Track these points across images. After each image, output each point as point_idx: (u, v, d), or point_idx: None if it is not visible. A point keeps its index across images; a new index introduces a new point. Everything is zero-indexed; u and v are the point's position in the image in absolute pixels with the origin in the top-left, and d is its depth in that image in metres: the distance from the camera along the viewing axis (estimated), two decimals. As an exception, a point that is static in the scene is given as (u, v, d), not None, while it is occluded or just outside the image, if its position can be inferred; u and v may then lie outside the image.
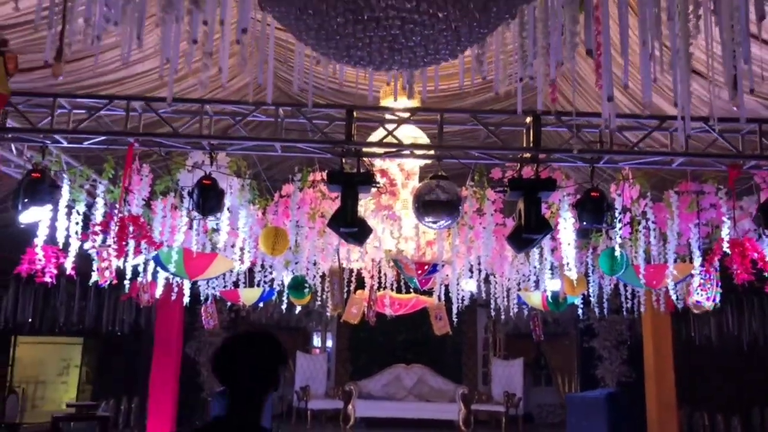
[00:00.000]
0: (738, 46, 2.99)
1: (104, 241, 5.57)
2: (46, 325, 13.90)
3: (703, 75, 4.67)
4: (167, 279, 7.80)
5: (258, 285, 8.70)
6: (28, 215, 5.88)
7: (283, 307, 9.27)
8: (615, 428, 9.88)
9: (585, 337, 13.93)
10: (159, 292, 7.88)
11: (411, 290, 8.48)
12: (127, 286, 7.74)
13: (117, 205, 5.69)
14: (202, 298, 9.34)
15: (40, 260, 5.99)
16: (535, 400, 15.43)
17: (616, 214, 5.79)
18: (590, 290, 8.33)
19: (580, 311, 8.93)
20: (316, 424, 13.54)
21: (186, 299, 8.66)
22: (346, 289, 7.81)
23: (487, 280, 8.52)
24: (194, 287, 8.69)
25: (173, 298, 8.62)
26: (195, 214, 5.59)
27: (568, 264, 5.77)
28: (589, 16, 3.33)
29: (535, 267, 6.93)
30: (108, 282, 6.52)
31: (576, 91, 5.93)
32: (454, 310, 8.31)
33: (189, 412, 12.13)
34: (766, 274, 5.53)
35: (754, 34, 3.03)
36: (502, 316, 9.41)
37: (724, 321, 13.46)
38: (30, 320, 13.29)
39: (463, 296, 8.31)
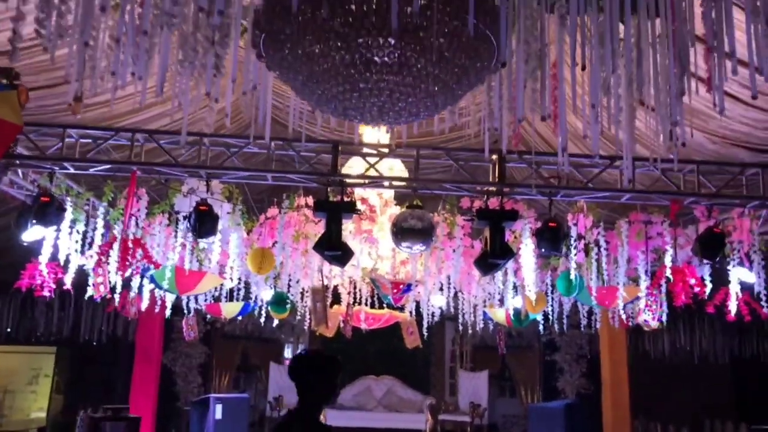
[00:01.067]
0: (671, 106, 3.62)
1: (107, 259, 6.02)
2: (22, 334, 14.14)
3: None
4: (151, 292, 8.26)
5: (237, 299, 9.21)
6: (31, 234, 6.34)
7: (262, 320, 9.74)
8: (573, 437, 10.54)
9: (547, 350, 14.63)
10: (144, 305, 8.32)
11: (384, 305, 9.06)
12: (116, 299, 8.16)
13: (116, 227, 6.16)
14: (185, 311, 9.78)
15: (41, 275, 6.41)
16: (499, 411, 16.00)
17: (572, 242, 6.45)
18: (551, 307, 8.99)
19: (541, 327, 9.56)
20: (288, 433, 13.92)
21: (167, 312, 9.12)
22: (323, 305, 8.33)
23: (455, 297, 9.12)
24: (177, 301, 9.14)
25: (157, 311, 9.06)
26: (188, 235, 6.08)
27: (528, 286, 6.40)
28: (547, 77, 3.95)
29: (499, 286, 7.56)
30: (102, 296, 6.97)
31: (541, 125, 6.56)
32: (425, 325, 8.91)
33: (165, 421, 12.49)
34: (702, 298, 6.22)
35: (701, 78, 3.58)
36: (469, 331, 9.99)
37: (677, 337, 14.33)
38: (8, 330, 13.54)
39: (433, 312, 8.91)
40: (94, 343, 14.19)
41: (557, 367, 14.38)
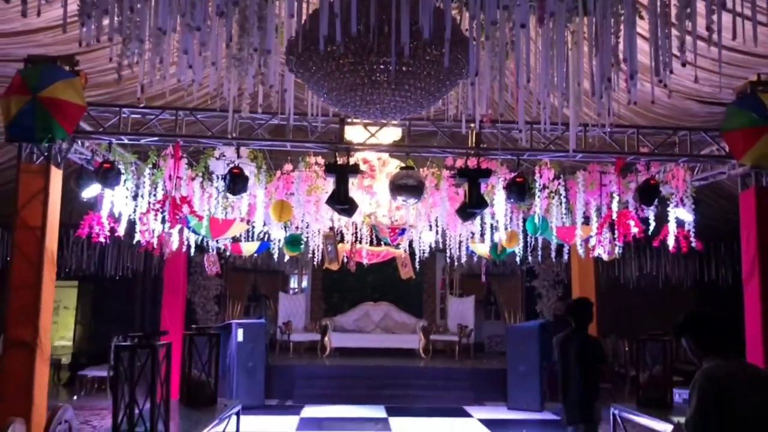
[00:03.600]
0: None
1: (162, 213, 7.39)
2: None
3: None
4: (180, 234, 9.64)
5: (252, 239, 10.66)
6: (89, 191, 7.70)
7: (275, 257, 11.19)
8: (545, 352, 12.12)
9: (527, 277, 16.23)
10: (175, 245, 9.73)
11: (382, 243, 10.53)
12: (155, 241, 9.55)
13: (163, 185, 7.52)
14: (207, 249, 11.22)
15: (100, 224, 7.77)
16: (485, 332, 17.58)
17: (537, 190, 7.84)
18: (527, 241, 10.43)
19: (518, 259, 11.01)
20: (297, 353, 15.53)
21: (192, 250, 10.59)
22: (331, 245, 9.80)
23: (444, 234, 10.56)
24: (201, 241, 10.57)
25: (184, 250, 10.50)
26: (226, 193, 7.44)
27: (500, 227, 7.84)
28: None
29: (479, 227, 9.02)
30: (148, 242, 8.38)
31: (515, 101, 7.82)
32: (417, 259, 10.39)
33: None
34: (640, 236, 7.69)
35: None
36: (455, 263, 11.45)
37: (644, 263, 15.91)
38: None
39: (423, 249, 10.38)
40: (117, 278, 15.55)
41: (536, 292, 16.00)
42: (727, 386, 3.12)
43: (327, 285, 17.78)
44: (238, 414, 5.66)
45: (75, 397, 12.82)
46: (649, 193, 7.41)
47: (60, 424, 3.95)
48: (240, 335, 11.78)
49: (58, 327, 17.81)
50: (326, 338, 15.38)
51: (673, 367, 5.64)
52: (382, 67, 4.49)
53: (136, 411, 3.65)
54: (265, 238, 10.77)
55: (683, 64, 4.38)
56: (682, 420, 3.40)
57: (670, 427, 4.70)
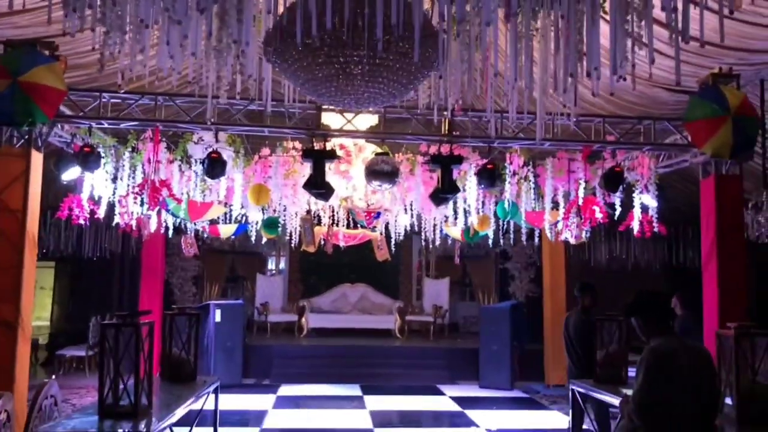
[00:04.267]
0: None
1: (142, 197, 7.54)
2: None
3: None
4: (158, 216, 9.78)
5: (230, 222, 10.85)
6: (69, 174, 7.81)
7: (253, 239, 11.37)
8: (516, 331, 12.50)
9: (501, 259, 16.57)
10: (154, 227, 9.87)
11: (358, 226, 10.76)
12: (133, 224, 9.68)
13: (144, 169, 7.67)
14: (185, 231, 11.38)
15: (80, 207, 7.90)
16: (460, 313, 17.91)
17: (507, 176, 8.11)
18: (500, 224, 10.72)
19: (490, 241, 11.29)
20: (274, 334, 15.77)
21: (170, 232, 10.76)
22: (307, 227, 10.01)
23: (419, 217, 10.81)
24: (179, 223, 10.72)
25: (162, 232, 10.65)
26: (204, 177, 7.61)
27: (471, 211, 8.13)
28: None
29: (452, 211, 9.29)
30: (126, 224, 8.53)
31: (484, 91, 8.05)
32: (392, 242, 10.65)
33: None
34: (604, 222, 8.01)
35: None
36: (430, 245, 11.72)
37: (614, 247, 16.32)
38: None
39: (399, 232, 10.63)
40: (95, 259, 15.61)
41: (509, 274, 16.37)
42: (670, 361, 3.43)
43: (304, 267, 17.97)
44: (216, 390, 5.89)
45: (54, 377, 12.95)
46: (613, 180, 7.72)
47: (46, 398, 4.14)
48: (218, 316, 11.99)
49: (35, 307, 17.75)
50: (303, 319, 15.61)
51: (630, 346, 5.96)
52: (356, 59, 4.68)
53: (121, 386, 3.87)
54: (243, 221, 10.95)
55: (651, 61, 4.64)
56: (629, 392, 3.70)
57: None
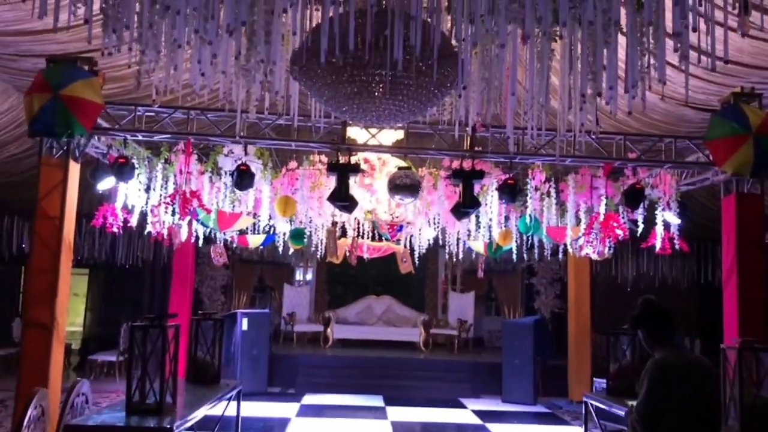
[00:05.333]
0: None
1: (173, 207, 7.82)
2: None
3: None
4: (189, 226, 10.08)
5: (258, 232, 11.11)
6: (104, 184, 8.14)
7: (280, 249, 11.62)
8: (539, 346, 12.53)
9: (526, 275, 16.59)
10: (185, 236, 10.17)
11: (383, 239, 10.95)
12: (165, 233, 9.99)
13: (170, 179, 7.96)
14: (218, 241, 11.68)
15: (114, 215, 8.21)
16: (485, 327, 17.89)
17: (529, 192, 8.24)
18: (524, 240, 10.80)
19: (514, 256, 11.38)
20: (300, 344, 15.94)
21: (200, 242, 11.05)
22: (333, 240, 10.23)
23: (444, 231, 10.96)
24: (209, 233, 11.02)
25: (192, 241, 10.95)
26: (232, 188, 7.88)
27: (493, 226, 8.26)
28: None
29: (474, 226, 9.43)
30: (158, 232, 8.83)
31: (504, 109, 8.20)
32: (416, 255, 10.82)
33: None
34: (625, 239, 8.08)
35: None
36: (454, 259, 11.84)
37: (642, 264, 16.23)
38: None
39: (422, 245, 10.79)
40: (127, 267, 16.00)
41: (535, 289, 16.38)
42: (673, 374, 3.53)
43: (331, 278, 18.14)
44: (239, 394, 6.10)
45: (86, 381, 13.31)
46: (634, 197, 7.79)
47: (78, 396, 4.38)
48: (245, 324, 12.24)
49: (69, 313, 18.17)
50: (329, 330, 15.78)
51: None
52: (377, 78, 4.88)
53: (147, 385, 4.09)
54: (271, 232, 11.21)
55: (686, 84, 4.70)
56: (634, 404, 3.81)
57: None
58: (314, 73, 4.99)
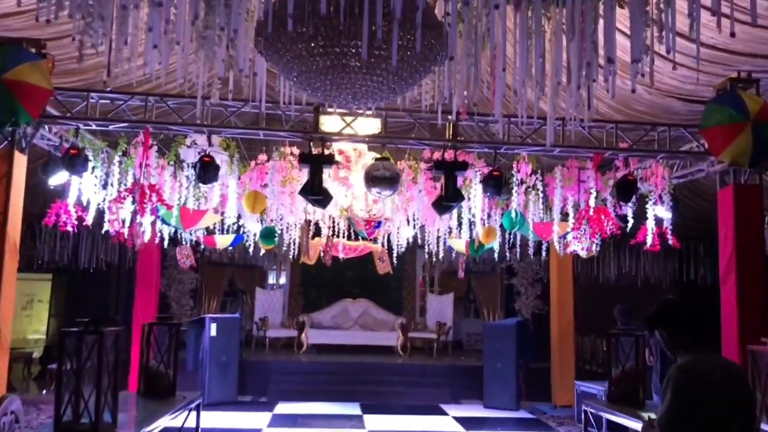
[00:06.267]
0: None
1: (131, 201, 7.18)
2: (23, 262, 15.18)
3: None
4: (152, 226, 9.40)
5: (227, 232, 10.47)
6: (57, 178, 7.49)
7: (251, 250, 11.00)
8: (522, 349, 12.07)
9: (506, 275, 16.14)
10: (147, 237, 9.50)
11: (359, 238, 10.39)
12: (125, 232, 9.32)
13: (133, 173, 7.32)
14: (181, 242, 11.01)
15: (67, 213, 7.55)
16: (464, 330, 17.46)
17: (514, 185, 7.74)
18: (508, 238, 10.31)
19: (496, 255, 10.90)
20: (273, 350, 15.28)
21: (165, 243, 10.38)
22: (306, 238, 9.63)
23: (423, 229, 10.43)
24: (175, 233, 10.35)
25: (156, 242, 10.30)
26: (191, 180, 7.26)
27: (477, 222, 7.74)
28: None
29: (456, 222, 8.90)
30: (116, 231, 8.17)
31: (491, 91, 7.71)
32: (395, 254, 10.27)
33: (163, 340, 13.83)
34: (616, 233, 7.61)
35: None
36: (434, 259, 11.34)
37: (623, 263, 15.88)
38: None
39: (401, 243, 10.25)
40: (91, 271, 15.23)
41: (515, 290, 15.93)
42: (702, 381, 3.02)
43: (305, 281, 17.62)
44: (198, 407, 5.50)
45: (44, 392, 12.58)
46: (626, 189, 7.34)
47: (5, 415, 3.77)
48: (213, 330, 11.60)
49: (32, 320, 17.45)
50: (303, 335, 15.19)
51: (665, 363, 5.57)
52: (353, 50, 4.33)
53: (82, 402, 3.48)
54: (240, 231, 10.59)
55: (673, 66, 4.30)
56: (653, 415, 3.29)
57: (641, 424, 4.60)
58: (281, 44, 4.42)
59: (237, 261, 16.75)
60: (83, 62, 4.21)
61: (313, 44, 4.32)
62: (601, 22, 4.40)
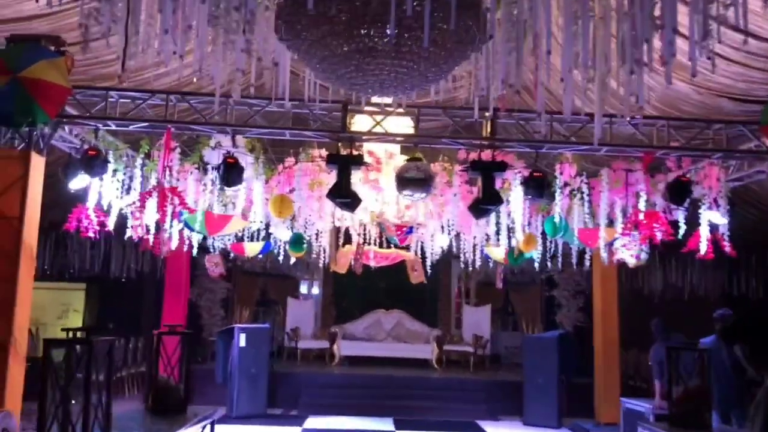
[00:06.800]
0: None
1: (144, 206, 6.86)
2: (56, 270, 15.12)
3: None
4: (180, 233, 9.10)
5: (257, 240, 10.12)
6: (77, 182, 7.21)
7: (281, 258, 10.64)
8: (564, 363, 11.49)
9: (546, 286, 15.52)
10: (175, 244, 9.19)
11: (391, 246, 9.94)
12: (150, 239, 9.04)
13: (152, 176, 7.00)
14: (210, 250, 10.70)
15: (88, 218, 7.28)
16: (502, 343, 16.87)
17: (557, 188, 7.22)
18: (548, 246, 9.76)
19: (536, 264, 10.37)
20: (304, 361, 14.94)
21: (194, 251, 10.04)
22: (336, 245, 9.22)
23: (458, 237, 9.94)
24: (202, 240, 10.02)
25: (185, 249, 10.00)
26: (216, 183, 6.92)
27: (517, 228, 7.23)
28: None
29: (494, 228, 8.39)
30: (140, 237, 7.86)
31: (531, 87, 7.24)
32: (429, 263, 9.80)
33: (191, 350, 13.50)
34: (670, 239, 7.02)
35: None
36: (470, 268, 10.84)
37: (669, 274, 15.13)
38: (45, 267, 14.52)
39: (435, 252, 9.77)
40: (123, 280, 15.07)
41: (556, 302, 15.29)
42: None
43: (338, 291, 17.25)
44: (212, 424, 5.10)
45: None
46: (680, 191, 6.76)
47: (-4, 433, 3.44)
48: (242, 340, 11.26)
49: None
50: (335, 346, 14.80)
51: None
52: (380, 32, 3.92)
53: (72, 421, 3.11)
54: (271, 239, 10.23)
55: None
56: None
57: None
58: (302, 26, 4.04)
59: (269, 270, 16.43)
60: (86, 49, 3.88)
61: (335, 25, 3.92)
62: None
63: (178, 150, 7.20)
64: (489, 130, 6.54)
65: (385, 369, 14.01)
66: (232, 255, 12.09)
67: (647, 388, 12.88)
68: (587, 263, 10.35)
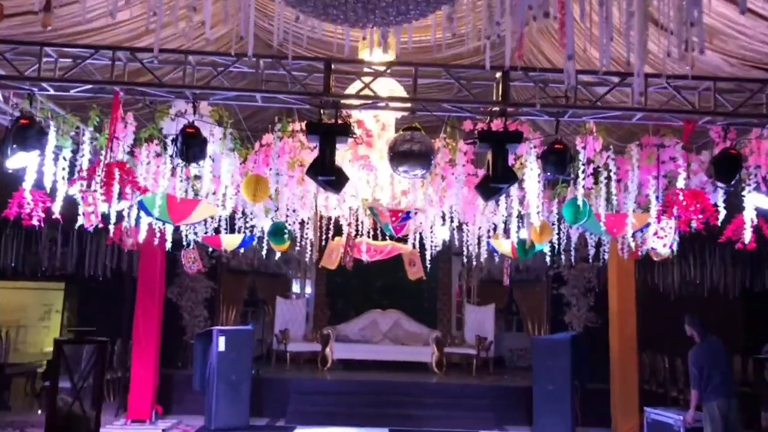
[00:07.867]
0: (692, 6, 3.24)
1: (89, 186, 5.77)
2: (28, 269, 14.06)
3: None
4: (150, 224, 8.04)
5: (238, 231, 9.02)
6: (16, 161, 6.09)
7: (263, 253, 9.57)
8: (578, 368, 10.49)
9: (554, 284, 14.48)
10: (142, 236, 8.10)
11: (386, 237, 8.86)
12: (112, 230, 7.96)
13: (103, 152, 5.91)
14: (184, 243, 9.60)
15: (28, 204, 6.19)
16: (506, 345, 16.07)
17: (580, 166, 6.14)
18: (558, 239, 8.72)
19: (548, 259, 9.34)
20: (294, 365, 13.97)
21: (168, 244, 8.91)
22: (324, 236, 8.14)
23: (460, 228, 8.88)
24: (176, 233, 8.91)
25: (156, 243, 8.91)
26: (178, 161, 5.83)
27: (532, 213, 6.15)
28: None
29: (503, 215, 7.31)
30: (94, 226, 6.74)
31: (547, 46, 6.15)
32: (428, 257, 8.73)
33: (171, 354, 12.47)
34: (714, 225, 5.93)
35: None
36: (474, 263, 9.82)
37: (687, 270, 14.08)
38: (12, 264, 13.47)
39: (435, 244, 8.70)
40: (100, 278, 14.03)
41: (564, 300, 14.26)
42: None
43: (331, 290, 16.33)
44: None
45: (39, 411, 11.32)
46: (728, 166, 5.66)
47: None
48: (221, 344, 10.20)
49: (50, 332, 16.35)
50: (328, 349, 13.79)
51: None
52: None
53: None
54: (250, 231, 9.11)
55: None
56: None
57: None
58: None
59: (258, 268, 15.43)
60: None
61: None
62: None
63: (134, 123, 6.09)
64: (501, 92, 5.45)
65: (381, 373, 13.21)
66: (211, 249, 10.98)
67: (664, 393, 11.92)
68: (606, 256, 9.33)
